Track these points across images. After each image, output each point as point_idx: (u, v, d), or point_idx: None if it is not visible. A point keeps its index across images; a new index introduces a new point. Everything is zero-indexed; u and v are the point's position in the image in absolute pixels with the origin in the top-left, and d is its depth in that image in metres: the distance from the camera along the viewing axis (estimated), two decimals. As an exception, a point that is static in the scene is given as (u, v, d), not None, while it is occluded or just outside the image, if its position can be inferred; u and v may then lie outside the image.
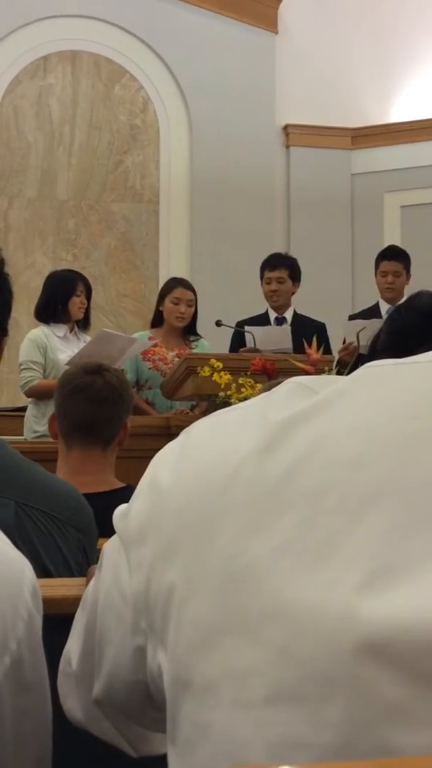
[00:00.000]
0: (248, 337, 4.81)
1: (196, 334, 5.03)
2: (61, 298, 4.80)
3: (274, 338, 4.81)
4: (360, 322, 4.91)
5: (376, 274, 5.32)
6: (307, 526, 0.50)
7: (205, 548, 0.54)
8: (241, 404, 0.66)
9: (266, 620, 0.50)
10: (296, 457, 0.54)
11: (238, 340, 5.06)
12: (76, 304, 4.81)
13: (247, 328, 4.92)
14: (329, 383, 0.61)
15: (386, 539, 0.49)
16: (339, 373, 4.33)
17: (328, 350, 4.87)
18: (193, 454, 0.63)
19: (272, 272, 5.22)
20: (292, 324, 5.19)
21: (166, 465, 0.65)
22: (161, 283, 5.33)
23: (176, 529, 0.57)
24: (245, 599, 0.51)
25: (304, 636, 0.49)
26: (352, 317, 5.21)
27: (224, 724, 0.51)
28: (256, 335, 4.79)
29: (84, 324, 4.93)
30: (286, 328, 4.94)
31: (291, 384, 0.64)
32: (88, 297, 4.90)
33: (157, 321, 4.99)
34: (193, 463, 0.62)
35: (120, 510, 0.71)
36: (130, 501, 0.68)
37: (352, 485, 0.51)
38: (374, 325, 4.62)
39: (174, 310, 4.89)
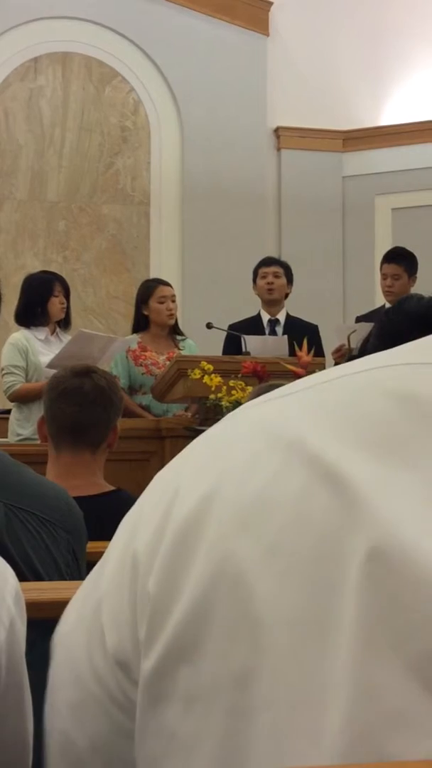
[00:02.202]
0: (242, 343, 4.80)
1: (181, 333, 5.05)
2: (40, 300, 4.80)
3: (270, 348, 4.79)
4: (351, 325, 4.91)
5: (380, 278, 5.31)
6: (297, 528, 0.49)
7: (188, 551, 0.53)
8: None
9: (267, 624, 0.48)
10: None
11: (231, 344, 5.04)
12: (55, 305, 4.81)
13: (244, 337, 4.90)
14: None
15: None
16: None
17: (320, 353, 4.87)
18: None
19: (268, 267, 5.24)
20: (285, 326, 5.19)
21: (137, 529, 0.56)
22: (152, 286, 5.33)
23: (153, 546, 0.53)
24: (240, 602, 0.50)
25: None
26: (359, 318, 5.20)
27: (219, 733, 0.49)
28: (252, 345, 4.78)
29: (65, 324, 4.93)
30: (283, 338, 4.92)
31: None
32: (67, 296, 4.90)
33: (141, 325, 4.99)
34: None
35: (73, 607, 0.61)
36: (103, 570, 0.59)
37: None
38: (364, 328, 4.64)
39: (163, 310, 4.90)
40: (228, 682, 0.48)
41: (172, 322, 4.97)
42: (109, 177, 7.36)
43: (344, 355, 4.70)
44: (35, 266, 6.82)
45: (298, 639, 0.46)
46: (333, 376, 0.55)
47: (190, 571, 0.50)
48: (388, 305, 5.18)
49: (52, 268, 5.98)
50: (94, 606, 0.57)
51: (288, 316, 5.29)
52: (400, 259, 5.22)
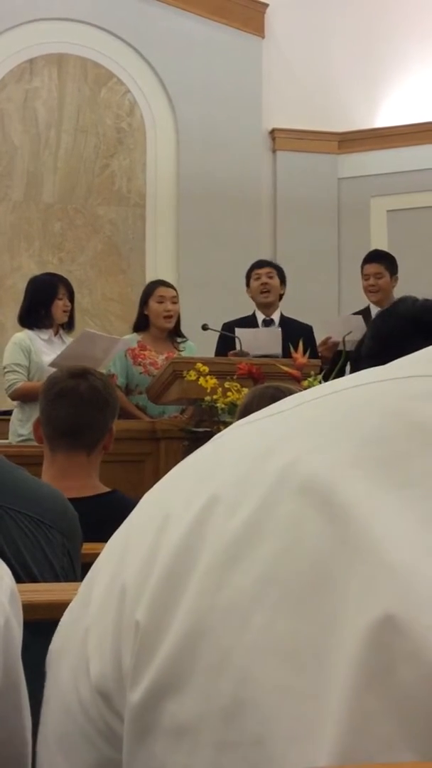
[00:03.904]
0: (237, 341, 4.81)
1: (182, 335, 5.04)
2: (44, 302, 4.79)
3: (262, 342, 4.80)
4: (341, 318, 4.94)
5: (362, 279, 5.39)
6: (291, 556, 0.48)
7: (178, 582, 0.50)
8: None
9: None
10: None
11: (224, 344, 5.04)
12: (59, 308, 4.80)
13: (237, 331, 4.90)
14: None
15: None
16: (326, 375, 4.35)
17: (314, 354, 4.87)
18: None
19: (261, 269, 5.27)
20: (280, 326, 5.18)
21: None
22: (148, 288, 5.33)
23: (143, 575, 0.51)
24: (230, 633, 0.47)
25: None
26: None
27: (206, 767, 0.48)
28: (244, 339, 4.78)
29: (69, 326, 4.93)
30: (276, 330, 4.92)
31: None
32: (71, 299, 4.89)
33: (142, 325, 4.99)
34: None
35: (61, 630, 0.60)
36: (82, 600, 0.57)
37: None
38: (352, 321, 4.68)
39: (161, 310, 4.88)
40: (216, 716, 0.46)
41: (169, 325, 4.93)
42: (104, 178, 7.36)
43: (330, 348, 4.73)
44: (30, 267, 6.82)
45: (290, 671, 0.45)
46: (324, 393, 0.53)
47: (181, 603, 0.49)
48: (372, 305, 5.25)
49: (48, 270, 5.97)
50: (81, 634, 0.55)
51: (282, 317, 5.30)
52: (381, 259, 5.36)
